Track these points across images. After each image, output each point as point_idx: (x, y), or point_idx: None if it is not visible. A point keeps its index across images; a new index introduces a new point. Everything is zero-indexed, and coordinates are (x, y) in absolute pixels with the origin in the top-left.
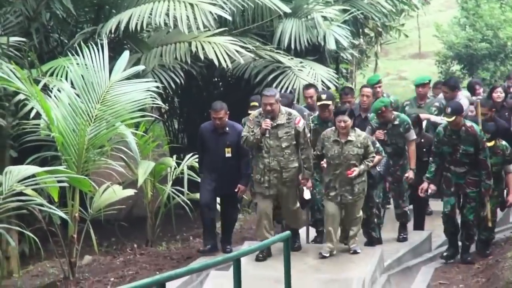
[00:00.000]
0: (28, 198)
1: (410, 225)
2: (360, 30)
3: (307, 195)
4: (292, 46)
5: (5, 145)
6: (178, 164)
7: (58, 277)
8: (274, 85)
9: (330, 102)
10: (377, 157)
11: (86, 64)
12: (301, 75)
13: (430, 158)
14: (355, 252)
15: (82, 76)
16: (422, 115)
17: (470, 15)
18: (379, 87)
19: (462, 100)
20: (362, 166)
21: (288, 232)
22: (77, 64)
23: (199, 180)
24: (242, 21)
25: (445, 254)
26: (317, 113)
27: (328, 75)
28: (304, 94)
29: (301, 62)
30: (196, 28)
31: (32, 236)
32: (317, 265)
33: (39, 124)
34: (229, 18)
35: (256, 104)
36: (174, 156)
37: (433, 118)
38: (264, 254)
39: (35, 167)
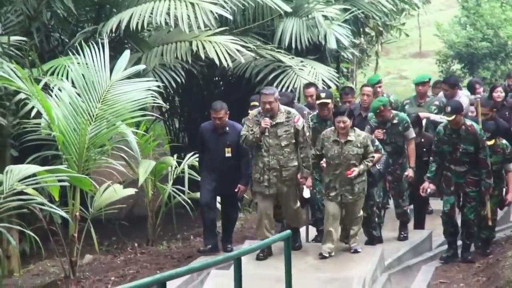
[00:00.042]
0: (28, 197)
1: (410, 224)
2: (361, 29)
3: (306, 194)
4: (293, 45)
5: (6, 144)
6: (179, 163)
7: (59, 276)
8: (275, 84)
9: (329, 101)
10: (377, 155)
11: (86, 63)
12: (302, 74)
13: (431, 158)
14: (355, 251)
15: (83, 75)
16: (421, 114)
17: (470, 14)
18: (379, 87)
19: (462, 98)
20: (361, 166)
21: (288, 231)
22: (78, 63)
23: (199, 179)
24: (243, 20)
25: (444, 255)
26: (316, 111)
27: (329, 74)
28: (304, 93)
29: (301, 61)
30: (197, 27)
31: (33, 235)
32: (318, 264)
33: (39, 123)
34: (230, 17)
35: (256, 103)
36: (175, 155)
37: (433, 116)
38: (264, 253)
39: (35, 166)
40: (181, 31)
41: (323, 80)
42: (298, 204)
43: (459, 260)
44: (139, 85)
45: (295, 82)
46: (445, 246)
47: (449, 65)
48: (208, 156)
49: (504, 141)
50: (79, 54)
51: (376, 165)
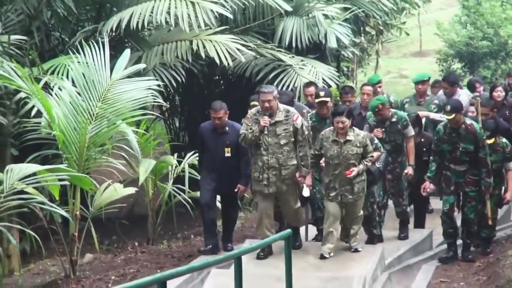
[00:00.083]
0: (29, 196)
1: (410, 223)
2: (361, 28)
3: (306, 192)
4: (293, 44)
5: (6, 143)
6: (179, 162)
7: (59, 275)
8: (275, 83)
9: (328, 99)
10: (376, 154)
11: (87, 63)
12: (302, 73)
13: (431, 157)
14: (356, 250)
15: (83, 74)
16: (421, 113)
17: (471, 13)
18: (379, 87)
19: (462, 96)
20: (361, 166)
21: (289, 230)
22: (78, 62)
23: (199, 178)
24: (243, 19)
25: (443, 256)
26: (315, 110)
27: (329, 73)
28: (304, 92)
29: (302, 60)
30: (197, 27)
31: (33, 234)
32: (318, 263)
33: (40, 123)
34: (230, 16)
35: (256, 103)
36: (175, 154)
37: (433, 115)
38: (265, 252)
39: (36, 165)
40: (181, 30)
41: (323, 79)
42: (299, 203)
43: (460, 258)
44: (139, 84)
45: (295, 81)
46: (445, 246)
47: (450, 64)
48: (208, 156)
49: (504, 140)
50: (79, 53)
51: (376, 164)
